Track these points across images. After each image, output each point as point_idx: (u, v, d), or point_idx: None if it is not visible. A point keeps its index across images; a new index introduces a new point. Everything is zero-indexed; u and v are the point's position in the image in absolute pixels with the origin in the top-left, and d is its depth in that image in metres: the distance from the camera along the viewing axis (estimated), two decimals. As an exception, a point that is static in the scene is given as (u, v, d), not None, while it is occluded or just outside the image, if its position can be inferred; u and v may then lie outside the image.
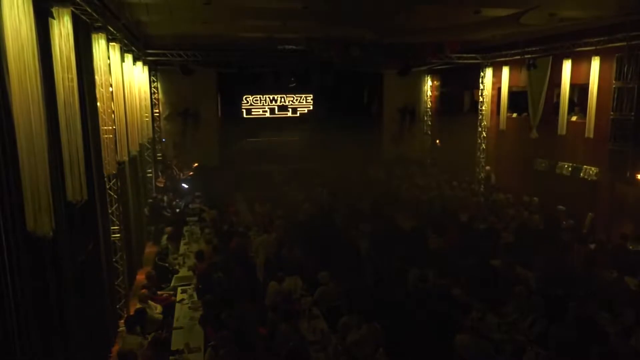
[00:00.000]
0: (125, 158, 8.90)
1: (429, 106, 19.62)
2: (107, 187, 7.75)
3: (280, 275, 7.86)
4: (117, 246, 8.18)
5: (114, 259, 8.05)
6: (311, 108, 18.89)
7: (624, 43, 9.88)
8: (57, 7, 5.13)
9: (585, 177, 11.56)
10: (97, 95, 7.07)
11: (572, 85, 11.72)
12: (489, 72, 15.22)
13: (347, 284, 7.61)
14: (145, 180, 13.86)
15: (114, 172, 7.70)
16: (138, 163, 11.65)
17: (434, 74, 18.99)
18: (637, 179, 9.91)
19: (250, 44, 14.14)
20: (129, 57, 9.76)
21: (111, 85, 7.65)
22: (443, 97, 19.05)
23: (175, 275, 9.17)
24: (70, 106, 5.26)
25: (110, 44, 7.53)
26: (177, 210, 13.81)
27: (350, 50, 13.75)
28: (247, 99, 18.42)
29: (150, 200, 13.58)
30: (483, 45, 14.44)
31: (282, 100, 18.69)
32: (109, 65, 7.41)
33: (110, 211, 7.85)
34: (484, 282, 7.76)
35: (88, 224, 6.57)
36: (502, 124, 14.43)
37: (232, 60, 15.09)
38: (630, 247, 9.36)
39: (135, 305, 7.91)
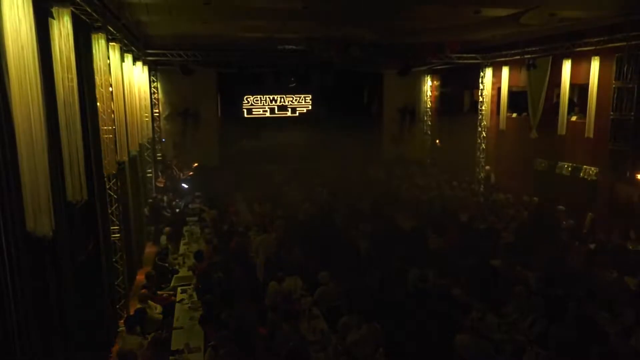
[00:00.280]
0: (125, 158, 8.90)
1: (429, 106, 19.62)
2: (107, 187, 7.74)
3: (280, 275, 7.86)
4: (117, 246, 8.17)
5: (114, 259, 8.04)
6: (310, 108, 18.91)
7: (624, 43, 9.88)
8: (57, 7, 5.14)
9: (585, 177, 11.56)
10: (97, 95, 7.07)
11: (572, 85, 11.73)
12: (488, 72, 15.22)
13: (347, 284, 7.60)
14: (145, 180, 13.85)
15: (114, 172, 7.69)
16: (138, 163, 11.65)
17: (434, 74, 18.99)
18: (637, 179, 9.91)
19: (250, 44, 14.13)
20: (128, 57, 9.76)
21: (111, 85, 7.64)
22: (443, 97, 19.05)
23: (175, 275, 9.16)
24: (70, 106, 5.27)
25: (110, 44, 7.53)
26: (177, 210, 13.81)
27: (350, 50, 13.75)
28: (248, 99, 18.44)
29: (150, 200, 13.58)
30: (483, 45, 14.44)
31: (282, 100, 18.71)
32: (109, 65, 7.40)
33: (110, 211, 7.84)
34: (484, 282, 7.76)
35: (88, 224, 6.57)
36: (502, 124, 14.43)
37: (232, 60, 15.10)
38: (630, 247, 9.36)
39: (135, 305, 7.91)
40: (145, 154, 14.23)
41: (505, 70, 14.21)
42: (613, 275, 8.16)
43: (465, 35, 12.74)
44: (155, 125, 16.18)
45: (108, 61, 7.28)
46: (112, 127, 7.55)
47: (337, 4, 9.05)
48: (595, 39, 10.68)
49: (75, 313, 5.43)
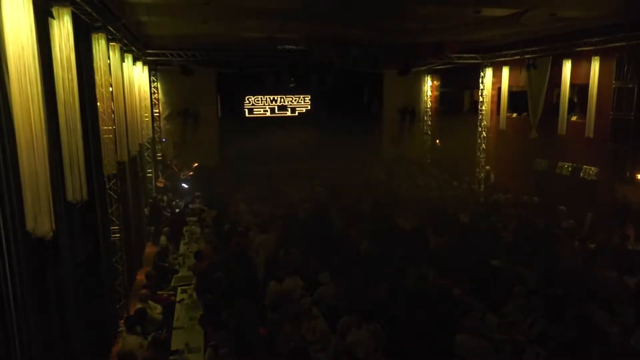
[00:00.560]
0: (125, 158, 8.90)
1: (429, 106, 19.62)
2: (107, 187, 7.74)
3: (280, 275, 7.85)
4: (117, 246, 8.17)
5: (114, 259, 8.04)
6: (309, 108, 18.94)
7: (624, 43, 9.88)
8: (57, 7, 5.14)
9: (585, 177, 11.56)
10: (97, 95, 7.07)
11: (572, 85, 11.72)
12: (489, 72, 15.23)
13: (347, 284, 7.60)
14: (145, 180, 13.85)
15: (114, 172, 7.69)
16: (138, 163, 11.65)
17: (434, 74, 18.99)
18: (637, 179, 9.92)
19: (250, 44, 14.14)
20: (128, 57, 9.76)
21: (111, 85, 7.64)
22: (443, 97, 19.05)
23: (175, 275, 9.16)
24: (70, 106, 5.27)
25: (110, 44, 7.53)
26: (177, 210, 13.82)
27: (350, 50, 13.75)
28: (249, 99, 18.48)
29: (151, 200, 13.59)
30: (483, 45, 14.45)
31: (282, 100, 18.74)
32: (109, 65, 7.40)
33: (110, 211, 7.84)
34: (484, 282, 7.75)
35: (88, 224, 6.57)
36: (502, 124, 14.44)
37: (232, 60, 15.10)
38: (630, 247, 9.36)
39: (135, 305, 7.90)
40: (145, 154, 14.23)
41: (505, 70, 14.22)
42: (613, 275, 8.16)
43: (465, 35, 12.74)
44: (155, 125, 16.19)
45: (108, 61, 7.28)
46: (112, 127, 7.55)
47: (337, 4, 9.05)
48: (595, 39, 10.69)
49: (75, 313, 5.43)
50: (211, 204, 13.06)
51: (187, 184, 15.86)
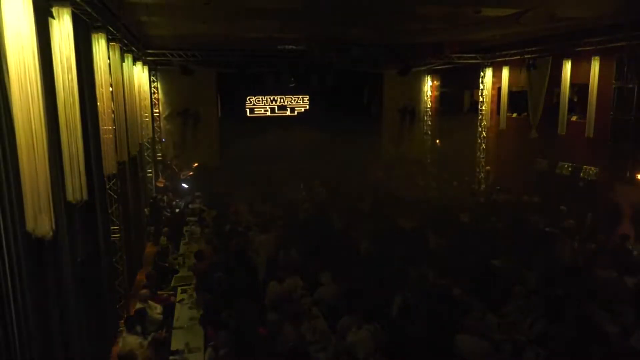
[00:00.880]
0: (126, 158, 8.90)
1: (429, 106, 19.61)
2: (107, 187, 7.74)
3: (281, 275, 7.85)
4: (117, 246, 8.17)
5: (114, 259, 8.04)
6: (307, 108, 18.96)
7: (624, 43, 9.88)
8: (57, 7, 5.14)
9: (585, 177, 11.56)
10: (97, 95, 7.06)
11: (572, 85, 11.72)
12: (488, 72, 15.23)
13: (347, 284, 7.60)
14: (145, 180, 13.86)
15: (114, 172, 7.69)
16: (138, 163, 11.65)
17: (434, 74, 18.99)
18: (637, 179, 9.91)
19: (250, 44, 14.13)
20: (128, 57, 9.76)
21: (111, 85, 7.64)
22: (443, 97, 19.05)
23: (175, 275, 9.16)
24: (70, 106, 5.26)
25: (110, 44, 7.53)
26: (177, 210, 13.81)
27: (350, 50, 13.74)
28: (250, 99, 18.50)
29: (151, 200, 13.59)
30: (483, 45, 14.44)
31: (282, 100, 18.76)
32: (109, 65, 7.40)
33: (110, 211, 7.84)
34: (484, 282, 7.75)
35: (88, 224, 6.57)
36: (502, 124, 14.44)
37: (232, 60, 15.10)
38: (630, 247, 9.36)
39: (135, 305, 7.90)
40: (145, 154, 14.24)
41: (505, 70, 14.21)
42: (613, 275, 8.15)
43: (465, 35, 12.74)
44: (155, 125, 16.19)
45: (108, 61, 7.27)
46: (112, 127, 7.55)
47: (337, 4, 9.05)
48: (595, 39, 10.68)
49: (75, 313, 5.42)
50: (211, 204, 13.06)
51: (187, 184, 15.86)
